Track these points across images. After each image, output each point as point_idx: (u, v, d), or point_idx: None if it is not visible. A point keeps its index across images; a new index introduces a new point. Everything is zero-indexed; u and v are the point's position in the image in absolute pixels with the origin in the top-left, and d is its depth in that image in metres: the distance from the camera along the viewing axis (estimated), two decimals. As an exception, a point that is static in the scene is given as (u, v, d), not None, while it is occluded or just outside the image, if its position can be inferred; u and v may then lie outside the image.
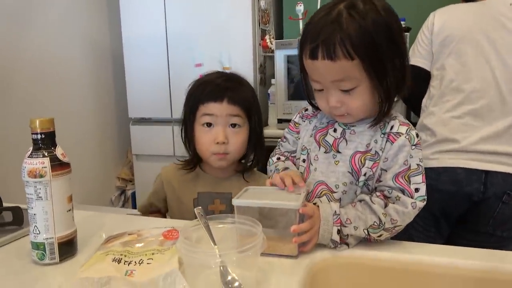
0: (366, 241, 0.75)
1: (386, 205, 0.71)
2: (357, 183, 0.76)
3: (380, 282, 0.71)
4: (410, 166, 0.72)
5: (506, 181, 1.12)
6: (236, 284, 0.56)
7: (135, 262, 0.63)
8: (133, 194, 2.52)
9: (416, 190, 0.72)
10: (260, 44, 2.15)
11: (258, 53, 2.14)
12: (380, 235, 0.72)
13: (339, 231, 0.71)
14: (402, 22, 1.87)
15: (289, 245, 0.70)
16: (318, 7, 2.16)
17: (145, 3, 2.20)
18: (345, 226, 0.71)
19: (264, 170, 0.99)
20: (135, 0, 2.22)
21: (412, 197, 0.71)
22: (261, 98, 2.20)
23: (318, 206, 0.73)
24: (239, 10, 2.07)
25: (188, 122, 0.97)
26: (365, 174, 0.75)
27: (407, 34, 1.76)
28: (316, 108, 0.83)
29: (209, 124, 0.93)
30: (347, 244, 0.72)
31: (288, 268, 0.66)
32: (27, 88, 1.92)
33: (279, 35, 2.41)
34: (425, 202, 0.72)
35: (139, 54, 2.26)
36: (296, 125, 0.89)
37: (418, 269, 0.69)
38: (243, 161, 1.00)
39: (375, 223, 0.70)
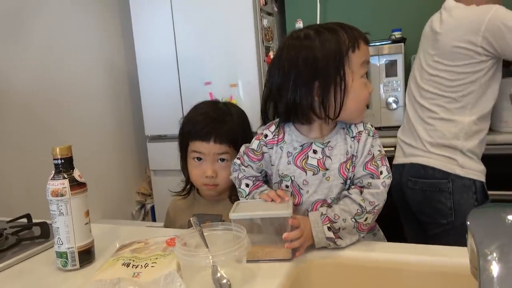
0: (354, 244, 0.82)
1: (361, 192, 0.82)
2: (345, 187, 0.86)
3: (361, 280, 0.79)
4: (374, 154, 0.83)
5: (409, 170, 1.27)
6: (224, 280, 0.66)
7: (141, 265, 0.74)
8: (152, 208, 2.65)
9: (381, 172, 0.82)
10: (264, 60, 2.26)
11: (263, 69, 2.24)
12: (366, 219, 0.81)
13: (329, 228, 0.79)
14: (398, 33, 1.97)
15: (283, 250, 0.77)
16: (318, 23, 2.27)
17: (156, 28, 2.36)
18: (335, 222, 0.80)
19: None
20: (147, 26, 2.38)
21: (379, 178, 0.82)
22: (268, 111, 2.31)
23: (308, 215, 0.82)
24: (243, 29, 2.18)
25: (182, 152, 1.07)
26: (350, 178, 0.85)
27: (402, 44, 1.83)
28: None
29: (199, 158, 1.02)
30: (341, 238, 0.80)
31: (274, 269, 0.75)
32: (51, 113, 2.08)
33: (284, 50, 2.51)
34: (391, 179, 0.83)
35: (152, 75, 2.41)
36: (257, 153, 0.89)
37: (392, 267, 0.77)
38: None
39: (358, 210, 0.80)
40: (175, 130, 2.35)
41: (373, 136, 0.85)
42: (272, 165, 0.89)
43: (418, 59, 1.35)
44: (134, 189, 2.71)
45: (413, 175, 1.26)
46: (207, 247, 0.70)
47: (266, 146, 0.89)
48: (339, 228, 0.80)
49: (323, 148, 0.85)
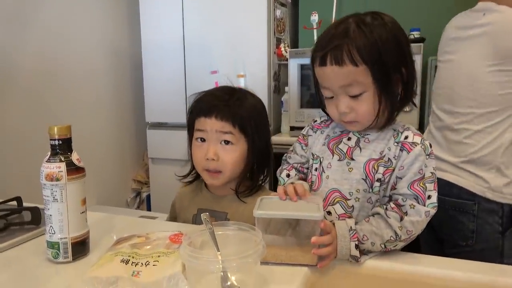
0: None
1: (401, 219, 0.73)
2: (370, 190, 0.78)
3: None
4: (424, 175, 0.75)
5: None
6: (235, 288, 0.59)
7: (142, 263, 0.66)
8: (148, 196, 2.58)
9: (429, 197, 0.74)
10: (275, 52, 2.18)
11: (273, 61, 2.17)
12: (396, 245, 0.75)
13: (357, 246, 0.72)
14: (416, 33, 1.89)
15: (309, 255, 0.71)
16: (333, 16, 2.19)
17: (164, 12, 2.26)
18: (362, 243, 0.74)
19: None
20: (155, 9, 2.28)
21: (425, 205, 0.73)
22: (275, 106, 2.24)
23: (333, 224, 0.74)
24: (255, 19, 2.10)
25: (190, 137, 0.98)
26: (378, 180, 0.78)
27: (421, 44, 1.75)
28: (329, 115, 0.86)
29: (202, 139, 0.93)
30: (365, 255, 0.75)
31: (288, 275, 0.69)
32: (49, 93, 2.00)
33: (295, 44, 2.43)
34: (436, 209, 0.74)
35: (157, 61, 2.32)
36: (305, 137, 0.91)
37: (415, 279, 0.71)
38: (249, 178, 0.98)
39: (392, 237, 0.73)
40: (177, 118, 2.34)
41: (429, 155, 0.77)
42: (306, 151, 0.90)
43: (457, 63, 1.20)
44: (131, 176, 2.64)
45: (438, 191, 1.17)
46: (218, 250, 0.63)
47: (312, 130, 0.91)
48: (364, 249, 0.74)
49: (358, 138, 0.82)
